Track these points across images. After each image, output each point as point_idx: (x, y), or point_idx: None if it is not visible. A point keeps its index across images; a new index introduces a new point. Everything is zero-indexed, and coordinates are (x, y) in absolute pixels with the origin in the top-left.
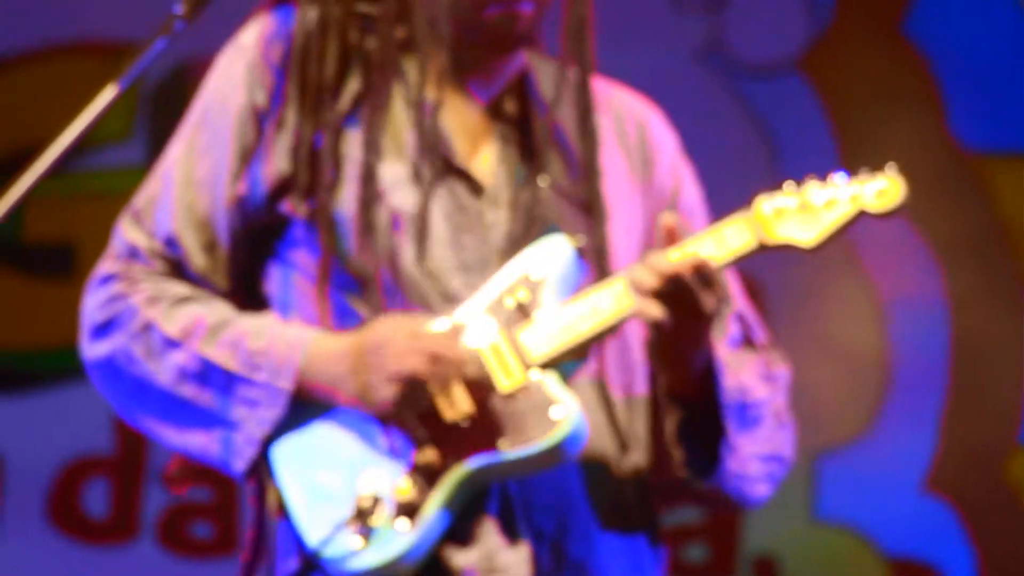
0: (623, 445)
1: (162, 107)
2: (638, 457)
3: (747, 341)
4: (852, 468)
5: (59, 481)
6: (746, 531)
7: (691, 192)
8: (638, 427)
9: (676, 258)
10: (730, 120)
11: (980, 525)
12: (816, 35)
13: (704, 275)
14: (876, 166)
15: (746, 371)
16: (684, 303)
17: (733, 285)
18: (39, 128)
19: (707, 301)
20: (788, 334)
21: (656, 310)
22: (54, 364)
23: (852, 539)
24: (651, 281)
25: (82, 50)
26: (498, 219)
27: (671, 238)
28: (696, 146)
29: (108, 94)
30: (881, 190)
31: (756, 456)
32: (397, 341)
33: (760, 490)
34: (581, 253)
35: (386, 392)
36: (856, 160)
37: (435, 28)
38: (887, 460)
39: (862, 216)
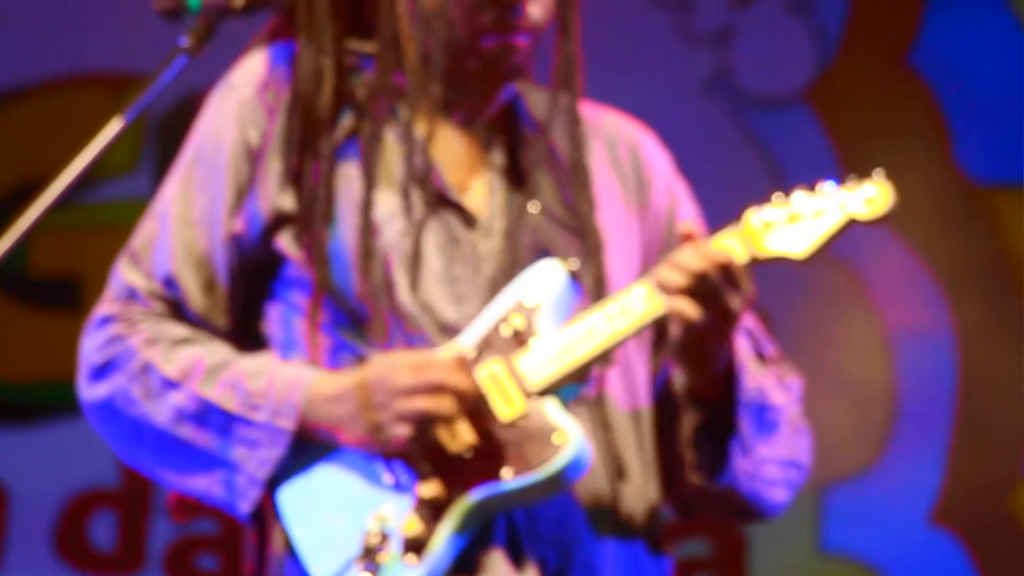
0: (624, 464)
1: (168, 139)
2: (645, 473)
3: (758, 355)
4: (859, 500)
5: (65, 513)
6: (753, 563)
7: (687, 211)
8: (645, 441)
9: (702, 255)
10: (736, 151)
11: (987, 557)
12: (822, 67)
13: (729, 274)
14: (863, 177)
15: (765, 377)
16: (712, 301)
17: None
18: (45, 160)
19: (734, 300)
20: (794, 366)
21: (690, 308)
22: (60, 396)
23: (858, 571)
24: (679, 279)
25: (88, 83)
26: (491, 249)
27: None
28: (702, 177)
29: (114, 127)
30: (870, 197)
31: (774, 460)
32: (402, 377)
33: (778, 495)
34: (575, 277)
35: (397, 431)
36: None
37: (429, 63)
38: (894, 492)
39: (852, 224)
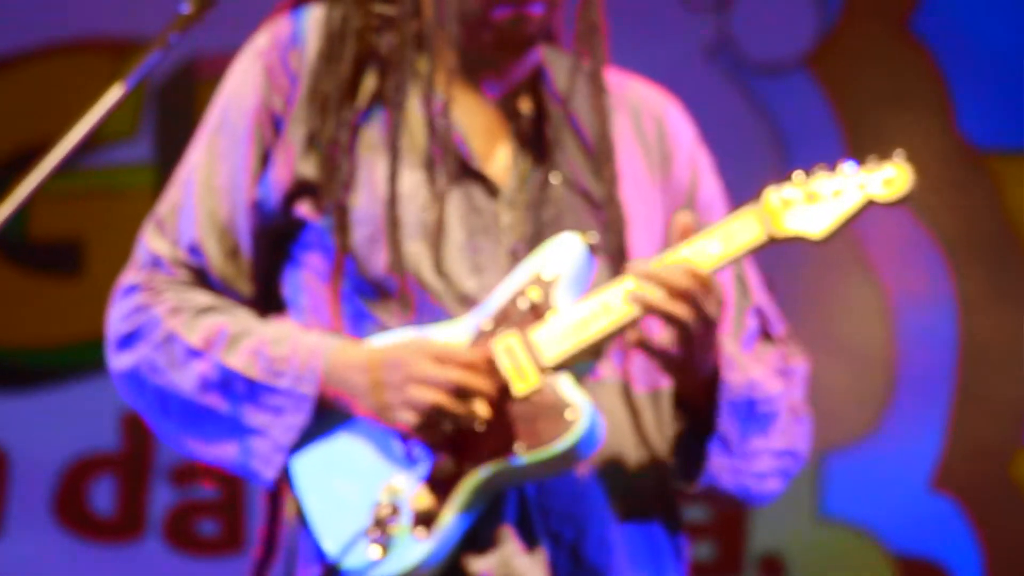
0: (644, 443)
1: (168, 104)
2: (661, 452)
3: (765, 335)
4: (859, 466)
5: (65, 478)
6: (753, 529)
7: (709, 184)
8: (665, 420)
9: (669, 267)
10: (738, 117)
11: (987, 523)
12: (824, 32)
13: (702, 281)
14: (883, 158)
15: (759, 367)
16: (693, 312)
17: (753, 278)
18: (46, 126)
19: (710, 307)
20: (796, 332)
21: (670, 330)
22: (60, 361)
23: (859, 537)
24: (657, 296)
25: (89, 48)
26: (514, 220)
27: (684, 238)
28: (705, 143)
29: (115, 93)
30: (889, 179)
31: (769, 451)
32: (421, 365)
33: (770, 486)
34: (593, 250)
35: (404, 416)
36: (864, 158)
37: (445, 28)
38: (894, 458)
39: (871, 206)
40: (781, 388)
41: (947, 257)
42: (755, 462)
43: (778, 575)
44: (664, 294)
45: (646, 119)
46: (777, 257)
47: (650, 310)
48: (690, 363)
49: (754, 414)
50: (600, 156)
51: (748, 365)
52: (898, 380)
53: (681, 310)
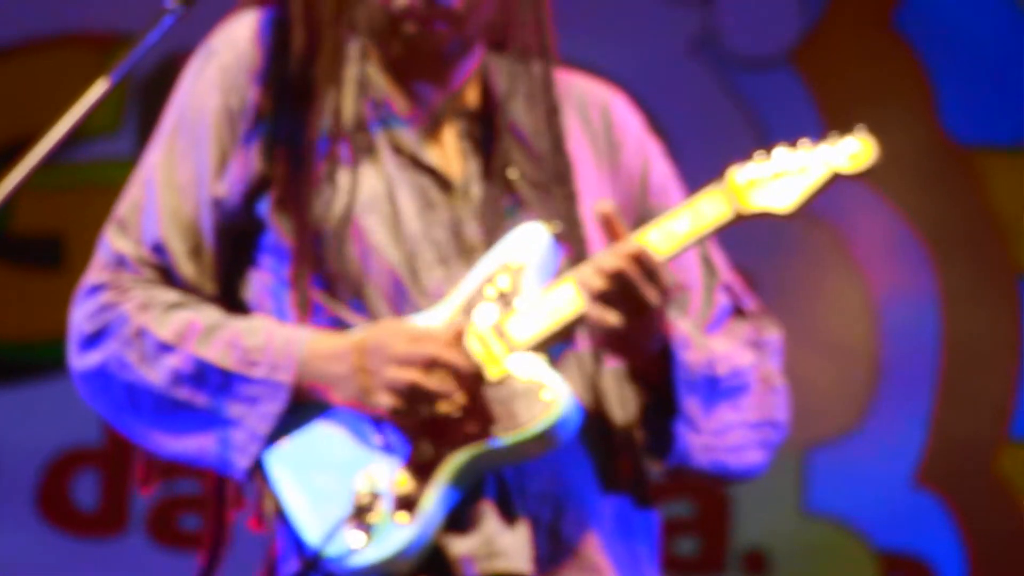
0: (614, 418)
1: (152, 99)
2: (630, 427)
3: (737, 310)
4: (843, 461)
5: (48, 473)
6: (736, 524)
7: (660, 169)
8: (629, 396)
9: (618, 252)
10: (721, 113)
11: (970, 519)
12: (807, 28)
13: (646, 267)
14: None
15: (726, 342)
16: (629, 299)
17: (718, 257)
18: (30, 121)
19: (650, 294)
20: (776, 321)
21: (610, 316)
22: (43, 356)
23: (842, 532)
24: (599, 282)
25: (73, 42)
26: (468, 213)
27: (609, 227)
28: (687, 138)
29: (99, 87)
30: (853, 152)
31: (743, 424)
32: (397, 346)
33: (751, 457)
34: (558, 239)
35: (384, 400)
36: None
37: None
38: (878, 453)
39: (836, 179)
40: (752, 360)
41: (930, 252)
42: (728, 436)
43: (762, 570)
44: (602, 281)
45: (592, 110)
46: (759, 251)
47: (592, 296)
48: (631, 346)
49: (719, 389)
50: (551, 149)
51: (709, 342)
52: (881, 375)
53: (616, 295)
